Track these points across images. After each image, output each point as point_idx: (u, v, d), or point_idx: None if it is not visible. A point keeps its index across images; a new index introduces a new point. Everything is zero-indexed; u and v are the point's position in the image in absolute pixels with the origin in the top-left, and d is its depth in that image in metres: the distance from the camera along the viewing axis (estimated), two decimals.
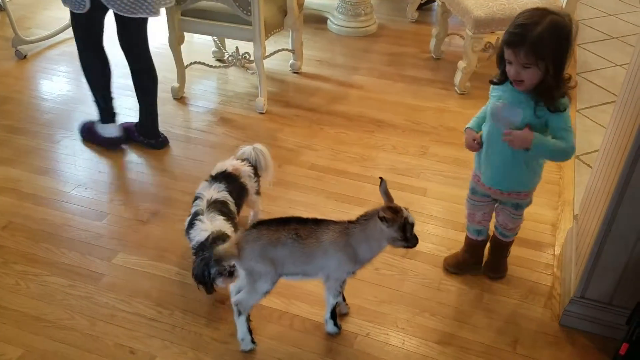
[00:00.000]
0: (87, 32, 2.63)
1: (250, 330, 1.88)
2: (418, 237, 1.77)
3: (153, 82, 2.80)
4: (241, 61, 3.33)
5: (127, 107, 3.25)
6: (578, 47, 3.96)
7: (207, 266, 1.93)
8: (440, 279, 2.20)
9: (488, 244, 2.23)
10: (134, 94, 2.86)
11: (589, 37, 4.13)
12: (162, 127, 3.06)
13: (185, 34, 3.21)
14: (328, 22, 4.17)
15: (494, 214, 2.15)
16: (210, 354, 1.91)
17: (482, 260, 2.24)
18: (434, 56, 3.77)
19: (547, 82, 1.71)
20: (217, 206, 2.10)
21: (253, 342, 1.89)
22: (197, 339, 1.96)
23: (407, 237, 1.73)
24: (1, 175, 2.69)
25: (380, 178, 1.79)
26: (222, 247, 1.78)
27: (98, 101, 2.81)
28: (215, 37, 3.60)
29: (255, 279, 1.78)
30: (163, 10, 2.71)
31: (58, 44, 3.89)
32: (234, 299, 1.86)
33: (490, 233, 2.20)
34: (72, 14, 2.52)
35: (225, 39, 3.61)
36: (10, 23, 3.63)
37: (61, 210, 2.50)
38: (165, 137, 2.92)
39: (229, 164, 2.26)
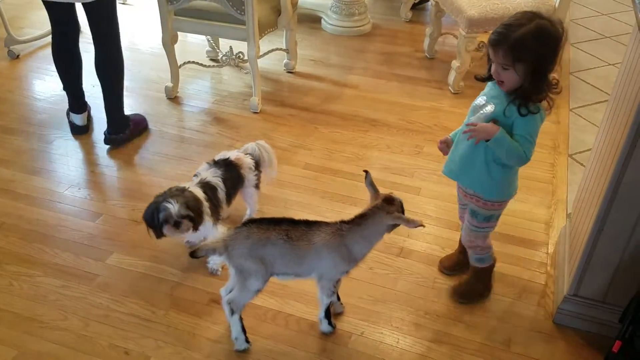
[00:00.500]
0: None
1: (244, 330, 1.88)
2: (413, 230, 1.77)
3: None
4: (235, 61, 3.33)
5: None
6: (571, 47, 3.98)
7: (157, 210, 2.01)
8: (434, 277, 2.21)
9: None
10: (129, 94, 2.84)
11: (582, 36, 4.15)
12: (156, 126, 3.07)
13: (178, 33, 3.20)
14: (322, 21, 4.17)
15: None
16: (205, 354, 1.91)
17: None
18: (428, 56, 3.78)
19: (525, 86, 1.68)
20: (205, 187, 2.15)
21: (247, 341, 1.89)
22: (191, 339, 1.95)
23: (407, 218, 1.75)
24: None
25: (365, 171, 1.81)
26: (209, 241, 1.78)
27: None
28: (209, 37, 3.59)
29: (245, 277, 1.78)
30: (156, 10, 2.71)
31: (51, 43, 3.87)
32: (225, 298, 1.86)
33: None
34: None
35: (219, 39, 3.61)
36: (2, 23, 3.62)
37: (54, 211, 2.49)
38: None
39: (234, 153, 2.31)
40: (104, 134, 2.87)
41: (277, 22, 3.27)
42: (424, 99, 3.34)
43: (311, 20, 4.20)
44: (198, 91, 3.40)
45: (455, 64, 3.34)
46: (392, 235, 2.37)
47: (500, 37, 1.66)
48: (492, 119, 1.76)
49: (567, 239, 2.17)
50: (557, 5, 3.22)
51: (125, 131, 2.88)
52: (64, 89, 2.91)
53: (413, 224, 1.72)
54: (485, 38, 3.47)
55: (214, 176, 2.20)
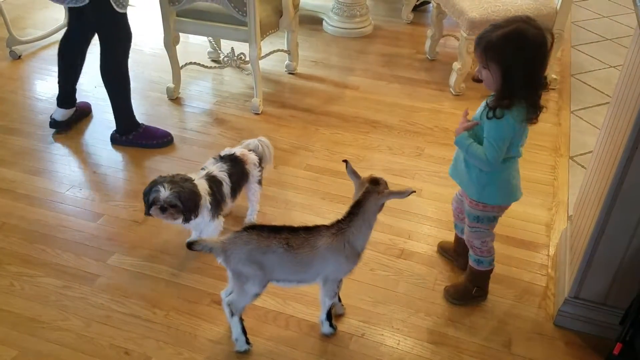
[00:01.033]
0: None
1: (244, 331, 1.88)
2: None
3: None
4: (237, 62, 3.33)
5: None
6: (572, 49, 3.98)
7: (151, 190, 2.05)
8: (435, 279, 2.21)
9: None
10: (131, 95, 2.85)
11: (583, 38, 4.16)
12: (158, 127, 3.06)
13: (180, 34, 3.21)
14: (323, 23, 4.17)
15: None
16: (205, 355, 1.91)
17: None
18: (429, 57, 3.78)
19: (498, 87, 1.69)
20: (211, 181, 2.18)
21: (248, 342, 1.89)
22: (192, 340, 1.95)
23: (397, 191, 1.78)
24: None
25: (345, 161, 1.83)
26: (209, 238, 1.78)
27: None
28: (210, 38, 3.60)
29: (243, 282, 1.77)
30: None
31: (53, 44, 3.87)
32: (225, 300, 1.86)
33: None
34: None
35: (221, 40, 3.61)
36: (4, 23, 3.62)
37: (56, 211, 2.49)
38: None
39: (238, 149, 2.34)
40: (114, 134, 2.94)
41: (279, 23, 3.27)
42: (425, 100, 3.34)
43: (312, 21, 4.20)
44: (199, 92, 3.41)
45: (456, 65, 3.34)
46: (392, 237, 2.38)
47: (479, 37, 1.71)
48: (476, 120, 1.81)
49: (568, 241, 2.17)
50: (558, 7, 3.22)
51: (129, 135, 2.89)
52: (58, 82, 2.93)
53: (405, 193, 1.76)
54: None
55: (220, 171, 2.23)
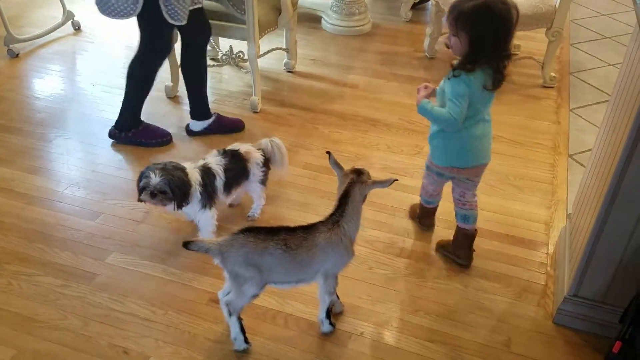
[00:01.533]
0: None
1: (243, 330, 1.88)
2: None
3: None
4: (235, 60, 3.33)
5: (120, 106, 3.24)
6: (571, 47, 3.98)
7: (142, 176, 2.10)
8: (433, 277, 2.20)
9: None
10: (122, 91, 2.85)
11: (582, 36, 4.15)
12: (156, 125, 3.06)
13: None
14: (322, 21, 4.17)
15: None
16: (204, 354, 1.90)
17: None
18: (428, 55, 3.77)
19: (465, 54, 1.88)
20: (204, 172, 2.20)
21: (246, 341, 1.89)
22: (191, 339, 1.95)
23: (381, 180, 1.83)
24: None
25: (328, 152, 1.86)
26: (206, 239, 1.78)
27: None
28: None
29: (240, 283, 1.77)
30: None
31: (51, 42, 3.87)
32: (223, 299, 1.85)
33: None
34: None
35: (219, 38, 3.60)
36: (2, 21, 3.61)
37: (54, 210, 2.49)
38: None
39: (245, 146, 2.35)
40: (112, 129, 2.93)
41: (277, 21, 3.26)
42: None
43: (311, 19, 4.20)
44: None
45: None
46: (391, 235, 2.38)
47: (453, 6, 1.88)
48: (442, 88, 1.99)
49: (567, 239, 2.17)
50: (557, 5, 3.22)
51: (128, 132, 2.89)
52: (188, 97, 2.95)
53: (387, 182, 1.81)
54: None
55: (216, 164, 2.24)
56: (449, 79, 1.92)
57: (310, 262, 1.77)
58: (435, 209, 2.38)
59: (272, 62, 3.61)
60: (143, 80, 2.79)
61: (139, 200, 2.14)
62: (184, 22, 2.56)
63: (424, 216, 2.41)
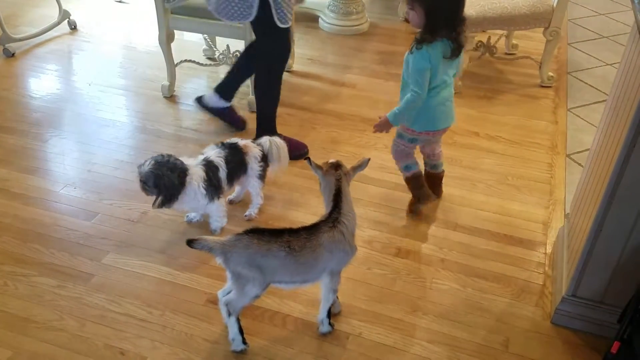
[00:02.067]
0: None
1: (241, 331, 1.87)
2: None
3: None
4: (232, 59, 3.31)
5: (116, 106, 3.23)
6: (569, 46, 3.98)
7: (145, 161, 2.14)
8: (432, 278, 2.20)
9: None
10: (125, 93, 2.83)
11: (580, 36, 4.15)
12: (153, 125, 3.05)
13: (175, 31, 3.18)
14: (319, 20, 4.16)
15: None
16: (201, 355, 1.89)
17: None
18: None
19: (422, 26, 2.05)
20: (207, 167, 2.23)
21: (244, 342, 1.88)
22: (188, 340, 1.94)
23: (357, 165, 1.90)
24: None
25: (307, 159, 1.88)
26: (210, 237, 1.77)
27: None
28: (205, 35, 3.58)
29: (243, 283, 1.77)
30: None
31: (47, 41, 3.86)
32: (223, 299, 1.84)
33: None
34: None
35: (216, 37, 3.59)
36: None
37: (50, 210, 2.47)
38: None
39: (244, 141, 2.39)
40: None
41: None
42: None
43: (308, 19, 4.19)
44: (195, 90, 3.39)
45: None
46: (389, 235, 2.38)
47: None
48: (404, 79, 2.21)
49: (565, 239, 2.17)
50: (555, 5, 3.22)
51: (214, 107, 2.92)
52: (228, 74, 2.96)
53: (364, 164, 1.90)
54: (483, 37, 3.48)
55: (217, 156, 2.28)
56: (411, 52, 2.09)
57: (315, 263, 1.77)
58: (421, 174, 2.46)
59: None
60: (274, 86, 2.77)
61: (142, 191, 2.21)
62: (289, 25, 2.55)
63: (417, 188, 2.43)
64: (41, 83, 3.42)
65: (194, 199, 2.22)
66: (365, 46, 3.92)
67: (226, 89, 2.95)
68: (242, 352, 1.89)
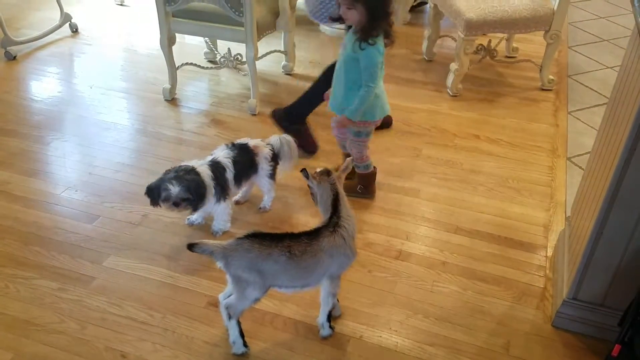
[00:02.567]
0: None
1: (242, 334, 1.87)
2: None
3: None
4: (233, 62, 3.32)
5: (118, 109, 3.23)
6: (569, 50, 3.99)
7: (159, 188, 2.15)
8: (432, 280, 2.20)
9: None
10: (127, 96, 2.83)
11: (580, 39, 4.16)
12: (154, 128, 3.06)
13: (176, 35, 3.19)
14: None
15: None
16: (202, 358, 1.89)
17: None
18: (426, 58, 3.77)
19: (364, 23, 2.14)
20: (214, 167, 2.25)
21: (245, 345, 1.88)
22: (189, 343, 1.94)
23: (345, 166, 1.95)
24: None
25: (302, 170, 1.88)
26: (211, 241, 1.77)
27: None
28: (207, 39, 3.58)
29: (243, 287, 1.77)
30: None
31: (48, 44, 3.87)
32: (223, 302, 1.84)
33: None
34: None
35: (217, 40, 3.60)
36: None
37: (51, 213, 2.48)
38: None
39: (254, 141, 2.41)
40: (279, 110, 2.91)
41: (276, 23, 3.26)
42: (422, 101, 3.34)
43: (309, 22, 4.17)
44: (196, 93, 3.40)
45: (453, 66, 3.33)
46: (390, 238, 2.38)
47: None
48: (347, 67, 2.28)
49: (566, 242, 2.17)
50: (555, 8, 3.22)
51: (289, 124, 2.85)
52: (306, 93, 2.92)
53: (350, 165, 1.97)
54: (483, 41, 3.49)
55: (225, 157, 2.30)
56: (362, 49, 2.17)
57: (315, 267, 1.77)
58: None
59: (270, 64, 3.60)
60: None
61: (156, 206, 2.22)
62: None
63: (373, 182, 2.60)
64: (43, 86, 3.43)
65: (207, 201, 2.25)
66: None
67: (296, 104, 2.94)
68: (243, 355, 1.89)
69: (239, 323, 1.85)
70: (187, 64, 3.35)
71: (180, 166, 2.21)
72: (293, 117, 2.86)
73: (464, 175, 2.75)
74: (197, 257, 2.19)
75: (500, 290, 2.17)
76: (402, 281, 2.20)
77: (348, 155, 2.45)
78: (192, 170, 2.18)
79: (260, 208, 2.50)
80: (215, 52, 3.59)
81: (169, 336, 1.96)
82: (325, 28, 4.10)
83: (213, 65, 3.52)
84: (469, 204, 2.58)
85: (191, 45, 3.81)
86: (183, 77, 3.41)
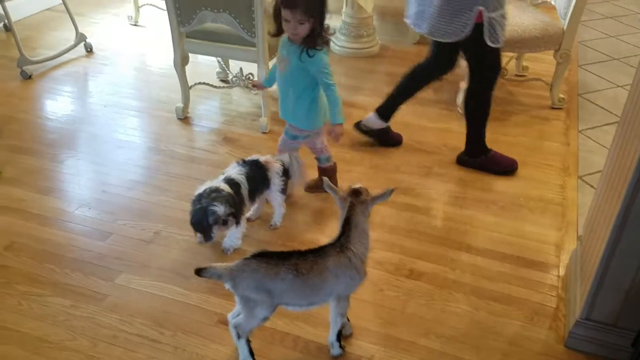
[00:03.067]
0: None
1: (251, 353, 1.87)
2: None
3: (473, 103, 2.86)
4: (245, 82, 3.36)
5: (131, 127, 3.27)
6: (579, 68, 3.99)
7: (206, 214, 2.17)
8: (444, 300, 2.19)
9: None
10: (140, 114, 2.87)
11: (590, 58, 4.17)
12: (166, 146, 3.09)
13: (190, 55, 3.24)
14: (331, 43, 4.19)
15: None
16: None
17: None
18: None
19: (314, 33, 2.23)
20: (229, 184, 2.28)
21: None
22: None
23: (379, 195, 1.85)
24: (5, 194, 2.70)
25: (322, 178, 1.92)
26: (218, 265, 1.78)
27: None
28: (219, 58, 3.63)
29: (252, 307, 1.77)
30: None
31: (63, 64, 3.93)
32: (232, 322, 1.85)
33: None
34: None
35: (230, 60, 3.65)
36: (15, 43, 3.67)
37: (65, 230, 2.50)
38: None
39: (265, 157, 2.46)
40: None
41: None
42: (432, 120, 3.35)
43: None
44: (208, 112, 3.43)
45: (463, 85, 3.34)
46: (401, 257, 2.37)
47: (294, 2, 2.16)
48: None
49: (578, 261, 2.15)
50: (565, 27, 3.24)
51: (477, 158, 2.90)
52: (392, 93, 3.07)
53: (387, 194, 1.84)
54: None
55: (238, 174, 2.33)
56: (311, 56, 2.27)
57: (321, 286, 1.77)
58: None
59: None
60: (483, 105, 2.81)
61: (210, 239, 2.25)
62: (500, 45, 2.59)
63: (334, 176, 2.70)
64: (58, 105, 3.48)
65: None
66: (375, 68, 3.95)
67: (386, 109, 3.04)
68: None
69: (248, 342, 1.85)
70: (199, 83, 3.40)
71: (204, 191, 2.22)
72: (474, 152, 2.92)
73: (475, 194, 2.75)
74: None
75: (512, 310, 2.15)
76: (414, 300, 2.19)
77: (324, 169, 2.65)
78: (218, 189, 2.22)
79: (271, 225, 2.51)
80: (227, 71, 3.63)
81: (180, 354, 1.96)
82: (335, 47, 4.13)
83: (225, 85, 3.56)
84: (480, 222, 2.57)
85: (204, 64, 3.86)
86: (195, 96, 3.45)
